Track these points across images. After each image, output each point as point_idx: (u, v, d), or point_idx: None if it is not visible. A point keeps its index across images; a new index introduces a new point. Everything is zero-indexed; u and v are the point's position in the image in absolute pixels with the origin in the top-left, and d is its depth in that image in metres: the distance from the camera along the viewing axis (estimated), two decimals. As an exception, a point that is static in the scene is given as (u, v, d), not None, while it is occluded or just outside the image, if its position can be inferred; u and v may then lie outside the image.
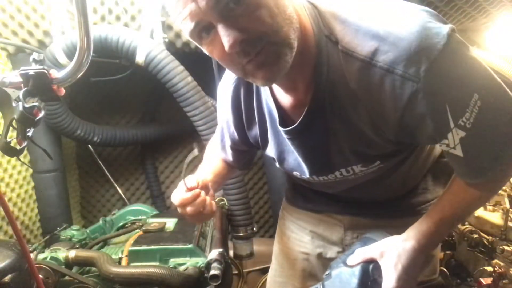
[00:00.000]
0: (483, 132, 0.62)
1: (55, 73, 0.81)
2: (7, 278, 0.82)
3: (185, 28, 0.59)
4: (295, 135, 0.75)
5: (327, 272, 0.77)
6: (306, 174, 0.83)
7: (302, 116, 0.70)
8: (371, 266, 0.71)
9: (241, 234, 1.72)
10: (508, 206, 1.32)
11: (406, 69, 0.57)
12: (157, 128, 2.06)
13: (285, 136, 0.77)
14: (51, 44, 1.52)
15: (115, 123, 2.17)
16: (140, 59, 1.48)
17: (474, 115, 0.59)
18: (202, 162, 1.02)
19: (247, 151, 0.99)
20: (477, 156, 0.64)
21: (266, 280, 1.64)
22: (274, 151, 0.85)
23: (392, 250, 0.70)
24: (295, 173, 0.87)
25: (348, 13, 0.63)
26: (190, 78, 1.54)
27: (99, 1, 1.54)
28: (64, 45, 1.47)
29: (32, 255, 1.19)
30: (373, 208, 0.94)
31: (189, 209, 0.77)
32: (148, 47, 1.48)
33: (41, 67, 0.78)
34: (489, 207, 1.40)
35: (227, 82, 0.87)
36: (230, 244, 1.71)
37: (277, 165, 0.90)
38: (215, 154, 1.03)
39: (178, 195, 0.78)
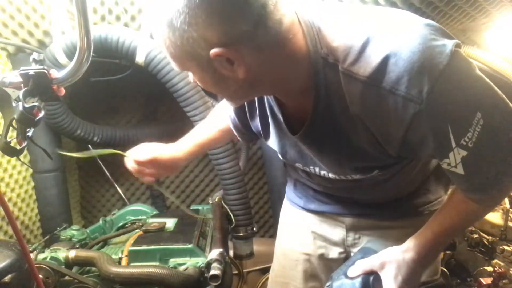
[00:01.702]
0: (485, 150, 0.61)
1: (55, 73, 0.81)
2: (7, 278, 0.82)
3: None
4: (298, 138, 0.76)
5: (328, 284, 0.78)
6: (309, 165, 0.84)
7: (303, 128, 0.71)
8: (371, 278, 0.72)
9: (241, 234, 1.72)
10: (508, 206, 1.32)
11: (408, 90, 0.57)
12: (157, 128, 2.06)
13: (289, 135, 0.78)
14: (51, 44, 1.52)
15: (115, 123, 2.17)
16: (140, 59, 1.48)
17: (477, 134, 0.59)
18: (200, 124, 1.09)
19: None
20: (478, 173, 0.64)
21: (266, 280, 1.64)
22: (277, 144, 0.85)
23: (392, 262, 0.71)
24: (297, 164, 0.88)
25: (351, 32, 0.61)
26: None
27: (99, 1, 1.53)
28: (64, 45, 1.47)
29: (32, 255, 1.19)
30: (375, 208, 0.94)
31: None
32: (148, 47, 1.48)
33: (41, 67, 0.78)
34: (489, 207, 1.40)
35: None
36: (230, 244, 1.71)
37: (280, 156, 0.90)
38: (214, 121, 1.05)
39: (129, 163, 1.04)
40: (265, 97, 0.79)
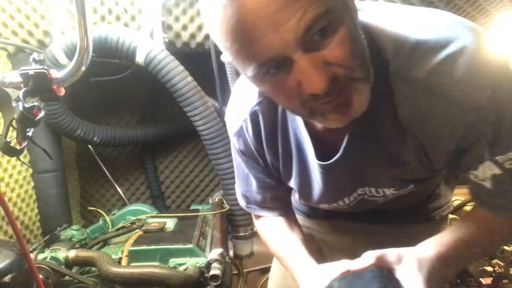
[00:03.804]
0: None
1: (55, 73, 0.81)
2: (7, 278, 0.82)
3: (250, 65, 0.47)
4: (329, 169, 0.67)
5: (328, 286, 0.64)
6: (332, 203, 0.77)
7: (340, 152, 0.63)
8: (385, 270, 0.59)
9: (241, 234, 1.72)
10: (508, 206, 1.31)
11: (466, 97, 0.51)
12: (157, 128, 2.06)
13: (318, 170, 0.69)
14: (51, 44, 1.52)
15: (115, 123, 2.18)
16: (140, 59, 1.48)
17: None
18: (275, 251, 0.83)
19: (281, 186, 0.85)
20: (509, 193, 0.59)
21: (266, 280, 1.64)
22: (298, 183, 0.76)
23: (411, 255, 0.61)
24: (322, 205, 0.80)
25: (401, 29, 0.54)
26: (190, 78, 1.54)
27: (99, 1, 1.54)
28: (64, 45, 1.47)
29: (32, 255, 1.19)
30: (386, 215, 0.89)
31: None
32: (148, 47, 1.48)
33: (41, 67, 0.78)
34: (489, 207, 1.40)
35: (239, 114, 0.74)
36: (230, 244, 1.71)
37: (297, 197, 0.83)
38: (274, 228, 0.85)
39: None
40: (290, 132, 0.70)
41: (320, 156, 0.67)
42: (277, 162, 0.75)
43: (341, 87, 0.48)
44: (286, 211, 0.88)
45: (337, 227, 0.97)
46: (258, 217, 0.89)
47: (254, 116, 0.71)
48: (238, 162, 0.84)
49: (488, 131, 0.53)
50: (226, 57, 0.53)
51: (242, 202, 0.89)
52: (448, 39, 0.52)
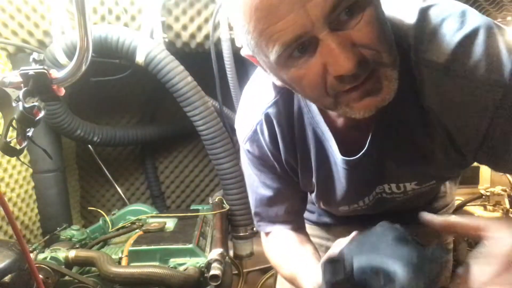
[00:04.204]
0: None
1: (55, 73, 0.81)
2: (7, 278, 0.82)
3: (275, 44, 0.45)
4: (354, 165, 0.64)
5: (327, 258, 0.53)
6: (353, 204, 0.74)
7: (366, 146, 0.61)
8: (396, 224, 0.51)
9: (241, 234, 1.72)
10: (508, 206, 1.32)
11: (489, 74, 0.49)
12: (157, 128, 2.06)
13: (342, 167, 0.66)
14: (51, 44, 1.52)
15: (115, 123, 2.17)
16: (140, 59, 1.48)
17: None
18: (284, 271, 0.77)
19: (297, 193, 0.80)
20: None
21: (266, 280, 1.65)
22: (318, 184, 0.73)
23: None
24: (341, 208, 0.77)
25: (420, 12, 0.53)
26: (190, 78, 1.54)
27: (99, 1, 1.54)
28: (64, 45, 1.47)
29: (32, 255, 1.19)
30: (394, 217, 0.87)
31: None
32: (148, 47, 1.48)
33: (41, 67, 0.78)
34: (489, 207, 1.40)
35: (252, 117, 0.70)
36: (230, 244, 1.71)
37: (314, 200, 0.78)
38: (286, 244, 0.79)
39: None
40: (307, 131, 0.67)
41: (344, 152, 0.64)
42: (296, 163, 0.72)
43: (370, 71, 0.46)
44: (299, 226, 0.83)
45: (345, 233, 0.94)
46: (267, 234, 0.84)
47: (268, 118, 0.68)
48: (250, 175, 0.79)
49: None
50: (246, 50, 0.51)
51: (255, 222, 0.84)
52: (463, 22, 0.51)
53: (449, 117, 0.55)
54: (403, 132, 0.59)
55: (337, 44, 0.43)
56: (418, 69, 0.53)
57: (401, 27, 0.53)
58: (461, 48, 0.50)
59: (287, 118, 0.67)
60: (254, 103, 0.71)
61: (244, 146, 0.74)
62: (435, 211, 0.91)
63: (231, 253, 1.73)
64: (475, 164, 1.40)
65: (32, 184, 1.69)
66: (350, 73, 0.44)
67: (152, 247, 1.23)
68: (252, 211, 0.84)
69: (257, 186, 0.79)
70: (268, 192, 0.77)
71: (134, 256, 1.22)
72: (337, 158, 0.65)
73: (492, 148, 0.55)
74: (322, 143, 0.67)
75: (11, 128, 0.77)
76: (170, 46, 1.62)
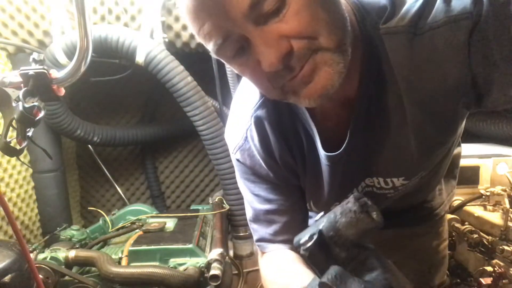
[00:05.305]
0: None
1: (55, 73, 0.81)
2: (7, 278, 0.82)
3: (209, 45, 0.47)
4: (336, 161, 0.63)
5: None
6: (341, 200, 0.73)
7: (345, 142, 0.60)
8: (364, 197, 0.46)
9: (241, 234, 1.72)
10: (508, 206, 1.31)
11: (449, 13, 0.47)
12: (157, 128, 2.06)
13: (325, 164, 0.64)
14: (51, 44, 1.52)
15: (115, 123, 2.18)
16: (140, 59, 1.48)
17: None
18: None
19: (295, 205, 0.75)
20: None
21: (266, 280, 1.64)
22: (308, 182, 0.71)
23: None
24: (332, 208, 0.75)
25: None
26: (190, 78, 1.55)
27: (99, 1, 1.54)
28: (64, 45, 1.47)
29: (32, 255, 1.19)
30: (391, 217, 0.85)
31: None
32: (148, 47, 1.48)
33: (41, 67, 0.78)
34: (489, 207, 1.40)
35: (241, 124, 0.69)
36: (230, 244, 1.71)
37: (309, 202, 0.75)
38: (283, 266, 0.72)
39: None
40: (300, 127, 0.65)
41: (328, 148, 0.62)
42: (294, 162, 0.69)
43: (304, 60, 0.45)
44: None
45: None
46: (263, 254, 0.77)
47: (258, 120, 0.66)
48: (243, 190, 0.76)
49: (493, 45, 0.46)
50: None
51: (254, 238, 0.79)
52: None
53: (421, 81, 0.52)
54: (380, 122, 0.58)
55: (261, 40, 0.43)
56: (388, 41, 0.51)
57: (367, 7, 0.53)
58: (421, 8, 0.49)
59: (278, 115, 0.65)
60: (242, 110, 0.69)
61: (235, 156, 0.71)
62: (432, 210, 0.91)
63: (231, 253, 1.73)
64: (475, 164, 1.40)
65: (32, 184, 1.69)
66: (275, 69, 0.44)
67: (152, 247, 1.23)
68: (250, 227, 0.80)
69: (251, 200, 0.75)
70: (264, 206, 0.73)
71: (134, 256, 1.22)
72: (321, 154, 0.64)
73: (482, 91, 0.51)
74: (312, 139, 0.65)
75: (11, 128, 0.77)
76: (170, 46, 1.62)
